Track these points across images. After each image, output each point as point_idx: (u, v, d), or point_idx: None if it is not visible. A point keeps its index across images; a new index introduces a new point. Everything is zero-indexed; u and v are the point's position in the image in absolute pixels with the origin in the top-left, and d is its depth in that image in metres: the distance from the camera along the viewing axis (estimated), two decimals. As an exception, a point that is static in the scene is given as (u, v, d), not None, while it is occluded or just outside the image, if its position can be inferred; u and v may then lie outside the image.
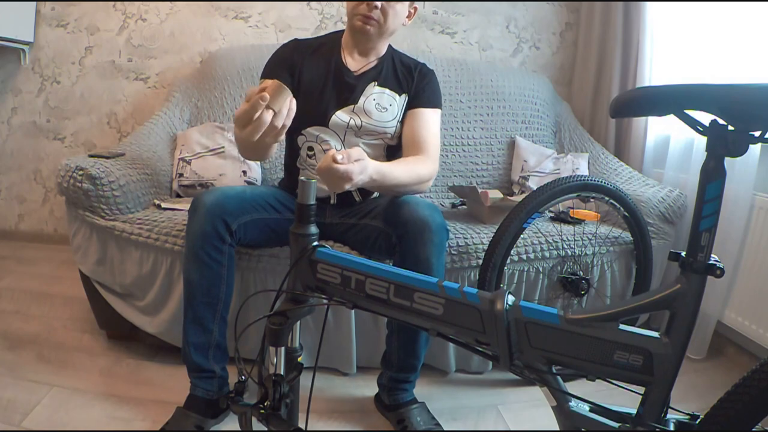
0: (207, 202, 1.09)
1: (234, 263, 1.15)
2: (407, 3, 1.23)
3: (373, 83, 1.28)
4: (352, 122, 1.26)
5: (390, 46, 1.33)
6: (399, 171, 1.09)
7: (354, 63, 1.28)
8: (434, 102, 1.29)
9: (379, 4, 1.17)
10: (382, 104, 1.27)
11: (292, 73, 1.25)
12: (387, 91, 1.28)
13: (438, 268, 1.09)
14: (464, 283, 1.36)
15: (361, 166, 0.90)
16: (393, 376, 1.23)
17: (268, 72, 1.25)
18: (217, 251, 1.09)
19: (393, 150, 1.31)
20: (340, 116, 1.25)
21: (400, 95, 1.29)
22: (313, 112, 1.25)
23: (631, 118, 2.02)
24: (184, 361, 1.15)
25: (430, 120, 1.27)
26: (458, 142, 2.01)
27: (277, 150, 1.90)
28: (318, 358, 0.79)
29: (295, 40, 1.32)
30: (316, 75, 1.26)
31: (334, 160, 0.85)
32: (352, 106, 1.26)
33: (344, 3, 2.21)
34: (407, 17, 1.26)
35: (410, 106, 1.28)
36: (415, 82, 1.29)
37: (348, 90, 1.26)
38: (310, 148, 1.28)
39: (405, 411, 1.21)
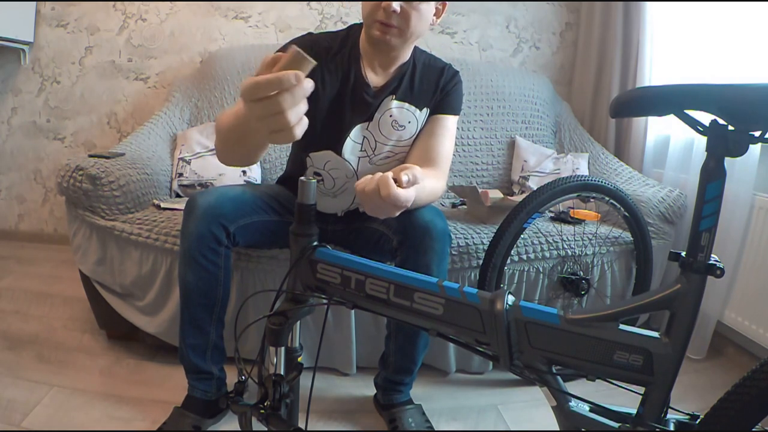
0: (202, 204, 1.06)
1: (230, 264, 1.13)
2: (433, 2, 1.05)
3: (391, 97, 1.13)
4: (366, 144, 1.15)
5: (415, 48, 1.17)
6: (425, 194, 0.99)
7: (375, 78, 1.13)
8: (456, 108, 1.18)
9: (397, 6, 0.98)
10: (399, 122, 1.14)
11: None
12: (406, 105, 1.14)
13: (439, 276, 1.05)
14: (464, 283, 1.36)
15: (416, 188, 0.72)
16: (388, 377, 1.22)
17: None
18: (213, 253, 1.06)
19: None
20: (354, 138, 1.14)
21: (421, 110, 1.15)
22: (326, 136, 1.13)
23: (631, 118, 2.02)
24: (182, 362, 1.15)
25: (449, 128, 1.16)
26: (458, 142, 2.00)
27: (277, 148, 1.91)
28: (318, 358, 0.79)
29: (311, 35, 1.13)
30: (333, 90, 1.10)
31: (398, 182, 0.63)
32: (367, 124, 1.14)
33: (344, 3, 2.24)
34: (435, 15, 1.08)
35: (431, 111, 1.16)
36: (440, 88, 1.15)
37: (366, 108, 1.13)
38: (317, 173, 1.19)
39: (398, 411, 1.21)
